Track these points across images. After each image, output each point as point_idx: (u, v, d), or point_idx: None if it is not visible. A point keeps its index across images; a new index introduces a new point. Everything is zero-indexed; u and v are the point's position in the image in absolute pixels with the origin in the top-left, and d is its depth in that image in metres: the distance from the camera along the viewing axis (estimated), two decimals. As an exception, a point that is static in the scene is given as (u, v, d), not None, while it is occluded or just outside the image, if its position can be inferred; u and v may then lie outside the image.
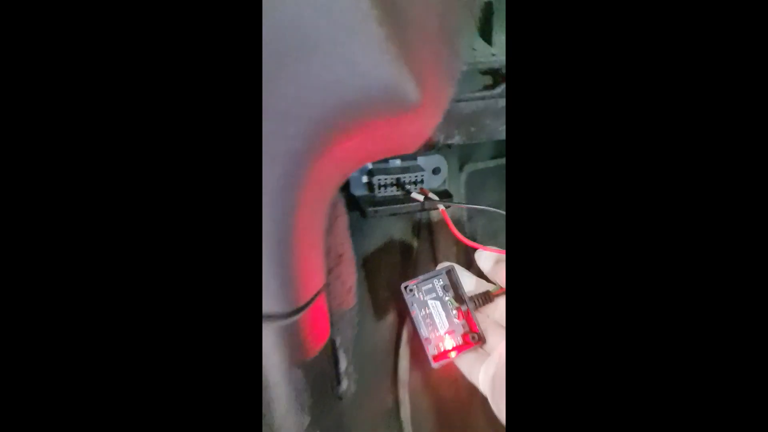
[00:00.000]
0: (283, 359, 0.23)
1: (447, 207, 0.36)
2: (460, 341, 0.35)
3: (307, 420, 0.27)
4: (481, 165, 0.44)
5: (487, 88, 0.29)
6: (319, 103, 0.17)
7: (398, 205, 0.35)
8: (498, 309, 0.36)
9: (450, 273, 0.35)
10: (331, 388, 0.30)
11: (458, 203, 0.44)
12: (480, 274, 0.37)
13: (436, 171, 0.37)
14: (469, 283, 0.36)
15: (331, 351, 0.29)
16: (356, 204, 0.35)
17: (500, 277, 0.34)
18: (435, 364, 0.34)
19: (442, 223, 0.42)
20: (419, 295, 0.35)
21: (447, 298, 0.36)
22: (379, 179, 0.34)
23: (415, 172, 0.36)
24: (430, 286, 0.35)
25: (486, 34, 0.28)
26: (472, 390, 0.40)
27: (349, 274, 0.31)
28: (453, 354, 0.34)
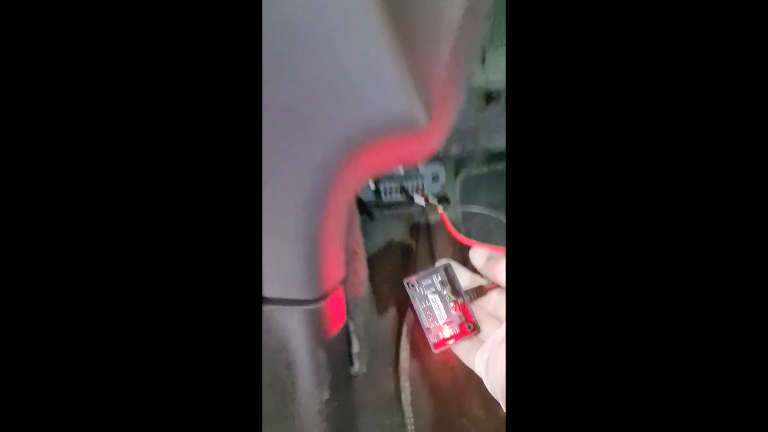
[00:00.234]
0: (309, 339, 0.27)
1: (445, 210, 0.39)
2: (458, 330, 0.37)
3: (326, 395, 0.29)
4: (474, 171, 0.46)
5: (481, 107, 0.32)
6: (344, 127, 0.20)
7: (402, 209, 0.39)
8: (491, 301, 0.38)
9: (447, 269, 0.38)
10: (346, 368, 0.33)
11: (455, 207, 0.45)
12: (474, 270, 0.39)
13: (435, 178, 0.40)
14: (465, 279, 0.39)
15: (346, 335, 0.32)
16: (364, 207, 0.38)
17: (492, 273, 0.37)
18: (435, 351, 0.37)
19: (439, 225, 0.44)
20: (420, 290, 0.38)
21: (445, 292, 0.38)
22: (385, 186, 0.38)
23: (416, 178, 0.39)
24: (430, 281, 0.38)
25: (481, 57, 0.30)
26: (466, 376, 0.43)
27: (362, 268, 0.33)
28: (451, 342, 0.37)
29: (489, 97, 0.32)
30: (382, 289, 0.42)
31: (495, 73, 0.31)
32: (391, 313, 0.44)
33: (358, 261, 0.33)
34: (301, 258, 0.23)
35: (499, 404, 0.46)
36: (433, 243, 0.46)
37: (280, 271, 0.24)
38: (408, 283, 0.37)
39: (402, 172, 0.39)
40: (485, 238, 0.40)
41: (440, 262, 0.40)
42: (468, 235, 0.38)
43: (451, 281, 0.38)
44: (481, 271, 0.38)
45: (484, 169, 0.47)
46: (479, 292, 0.38)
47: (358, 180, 0.24)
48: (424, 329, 0.38)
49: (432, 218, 0.45)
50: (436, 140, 0.21)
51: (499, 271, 0.36)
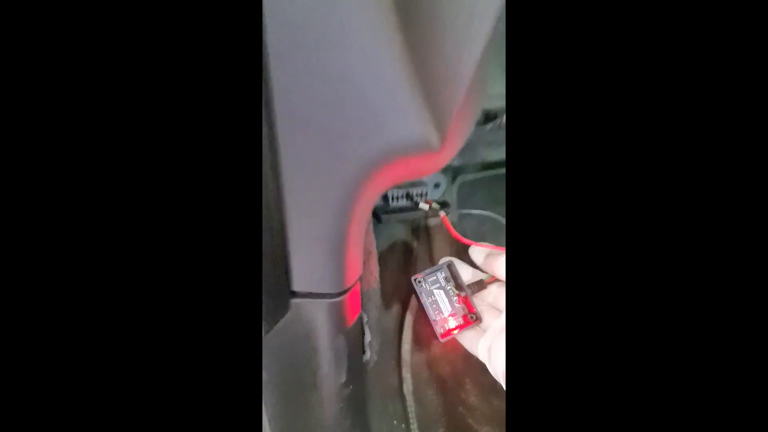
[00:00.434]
0: (331, 328, 0.29)
1: (446, 214, 0.41)
2: (461, 321, 0.40)
3: (342, 378, 0.32)
4: (470, 177, 0.47)
5: (479, 124, 0.35)
6: (368, 150, 0.22)
7: (408, 213, 0.41)
8: (491, 294, 0.41)
9: (450, 266, 0.40)
10: (360, 355, 0.35)
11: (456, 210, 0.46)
12: (474, 266, 0.42)
13: (437, 185, 0.43)
14: (466, 274, 0.41)
15: (360, 325, 0.34)
16: (373, 212, 0.39)
17: (491, 268, 0.39)
18: (442, 340, 0.40)
19: (437, 227, 0.46)
20: (426, 286, 0.40)
21: (449, 287, 0.41)
22: (392, 193, 0.40)
23: (420, 186, 0.42)
24: (435, 277, 0.41)
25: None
26: (464, 369, 0.46)
27: (375, 266, 0.36)
28: (456, 331, 0.40)
29: (488, 117, 0.35)
30: (387, 287, 0.43)
31: (493, 92, 0.33)
32: (395, 309, 0.46)
33: (372, 260, 0.35)
34: (329, 257, 0.27)
35: (494, 394, 0.48)
36: (431, 244, 0.48)
37: (309, 268, 0.27)
38: (415, 280, 0.40)
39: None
40: (480, 237, 0.42)
41: (444, 260, 0.42)
42: (464, 235, 0.41)
43: (454, 277, 0.41)
44: (481, 267, 0.41)
45: (479, 175, 0.48)
46: (480, 285, 0.40)
47: (378, 191, 0.27)
48: (431, 321, 0.40)
49: (431, 222, 0.47)
50: (446, 159, 0.24)
51: (497, 266, 0.38)
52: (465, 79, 0.21)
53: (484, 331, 0.38)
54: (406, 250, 0.47)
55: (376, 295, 0.37)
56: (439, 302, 0.40)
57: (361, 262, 0.31)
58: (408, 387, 0.46)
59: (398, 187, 0.41)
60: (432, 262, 0.47)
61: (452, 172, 0.48)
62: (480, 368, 0.40)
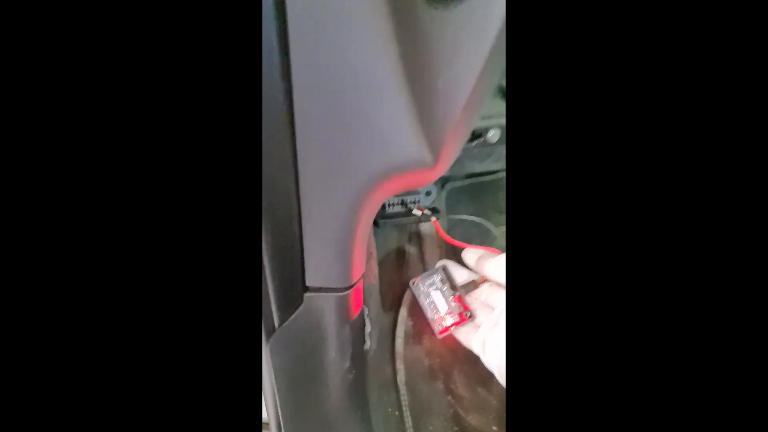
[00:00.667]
0: (338, 319, 0.33)
1: (437, 219, 0.44)
2: (457, 318, 0.42)
3: (346, 364, 0.36)
4: (458, 184, 0.49)
5: (467, 142, 0.38)
6: (371, 168, 0.25)
7: (402, 218, 0.44)
8: (483, 292, 0.43)
9: (445, 269, 0.43)
10: (361, 344, 0.38)
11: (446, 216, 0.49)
12: (467, 267, 0.44)
13: (428, 194, 0.46)
14: (460, 275, 0.43)
15: (362, 317, 0.37)
16: None
17: (482, 269, 0.41)
18: (440, 336, 0.42)
19: (428, 232, 0.49)
20: (423, 288, 0.43)
21: (444, 288, 0.42)
22: (388, 200, 0.43)
23: (413, 194, 0.45)
24: (431, 280, 0.43)
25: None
26: (453, 362, 0.48)
27: (374, 265, 0.39)
28: (452, 328, 0.42)
29: (474, 135, 0.38)
30: (383, 285, 0.46)
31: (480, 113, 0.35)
32: (389, 305, 0.48)
33: (372, 260, 0.39)
34: (338, 257, 0.30)
35: (480, 385, 0.50)
36: (423, 246, 0.50)
37: (321, 266, 0.31)
38: (413, 283, 0.42)
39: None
40: (468, 240, 0.44)
41: (439, 263, 0.45)
42: (453, 238, 0.43)
43: (449, 278, 0.43)
44: (473, 268, 0.43)
45: (466, 182, 0.50)
46: (473, 285, 0.42)
47: (380, 201, 0.30)
48: (429, 320, 0.42)
49: (422, 227, 0.49)
50: (439, 174, 0.28)
51: (487, 268, 0.40)
52: (458, 107, 0.23)
53: (478, 326, 0.40)
54: (400, 251, 0.50)
55: (375, 291, 0.40)
56: (436, 302, 0.42)
57: (364, 261, 0.33)
58: (401, 378, 0.48)
59: (394, 195, 0.44)
60: (423, 262, 0.49)
61: (441, 180, 0.49)
62: (468, 361, 0.42)
